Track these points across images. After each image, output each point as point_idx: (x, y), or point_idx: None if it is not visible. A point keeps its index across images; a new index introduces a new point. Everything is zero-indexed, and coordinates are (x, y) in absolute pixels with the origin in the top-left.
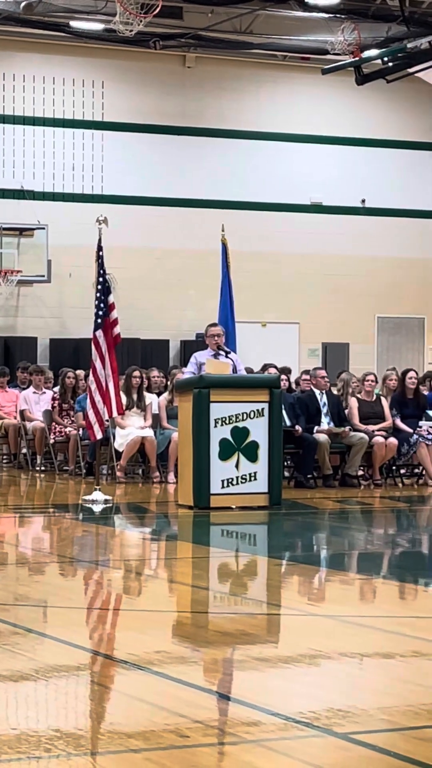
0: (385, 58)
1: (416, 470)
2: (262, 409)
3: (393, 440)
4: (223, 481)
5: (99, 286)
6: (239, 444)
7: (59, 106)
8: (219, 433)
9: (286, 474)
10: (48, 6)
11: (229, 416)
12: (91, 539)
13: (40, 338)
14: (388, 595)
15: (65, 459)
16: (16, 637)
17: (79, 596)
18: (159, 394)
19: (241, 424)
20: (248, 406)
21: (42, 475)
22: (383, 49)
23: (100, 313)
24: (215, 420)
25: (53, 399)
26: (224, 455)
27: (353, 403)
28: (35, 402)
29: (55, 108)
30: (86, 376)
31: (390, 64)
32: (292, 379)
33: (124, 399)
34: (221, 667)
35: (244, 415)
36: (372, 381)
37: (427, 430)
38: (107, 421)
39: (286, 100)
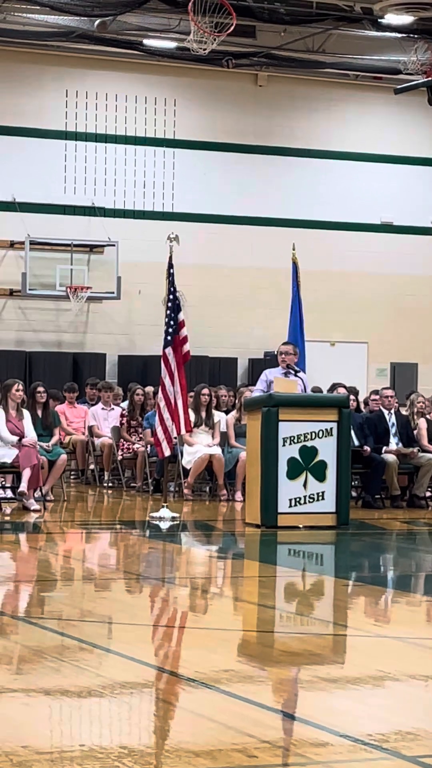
0: None
1: None
2: (331, 428)
3: None
4: (290, 500)
5: (169, 304)
6: (307, 463)
7: (131, 123)
8: (287, 452)
9: (354, 494)
10: (121, 24)
11: (297, 435)
12: (158, 556)
13: (108, 355)
14: None
15: (133, 475)
16: (82, 652)
17: (145, 613)
18: (227, 412)
19: (309, 444)
20: (317, 426)
21: (109, 491)
22: None
23: (170, 330)
24: (284, 439)
25: (122, 415)
26: (292, 474)
27: (422, 423)
28: (104, 418)
29: (126, 125)
30: (155, 393)
31: None
32: (360, 399)
33: (192, 416)
34: (289, 687)
35: (313, 435)
36: None
37: None
38: (175, 438)
39: (357, 120)
